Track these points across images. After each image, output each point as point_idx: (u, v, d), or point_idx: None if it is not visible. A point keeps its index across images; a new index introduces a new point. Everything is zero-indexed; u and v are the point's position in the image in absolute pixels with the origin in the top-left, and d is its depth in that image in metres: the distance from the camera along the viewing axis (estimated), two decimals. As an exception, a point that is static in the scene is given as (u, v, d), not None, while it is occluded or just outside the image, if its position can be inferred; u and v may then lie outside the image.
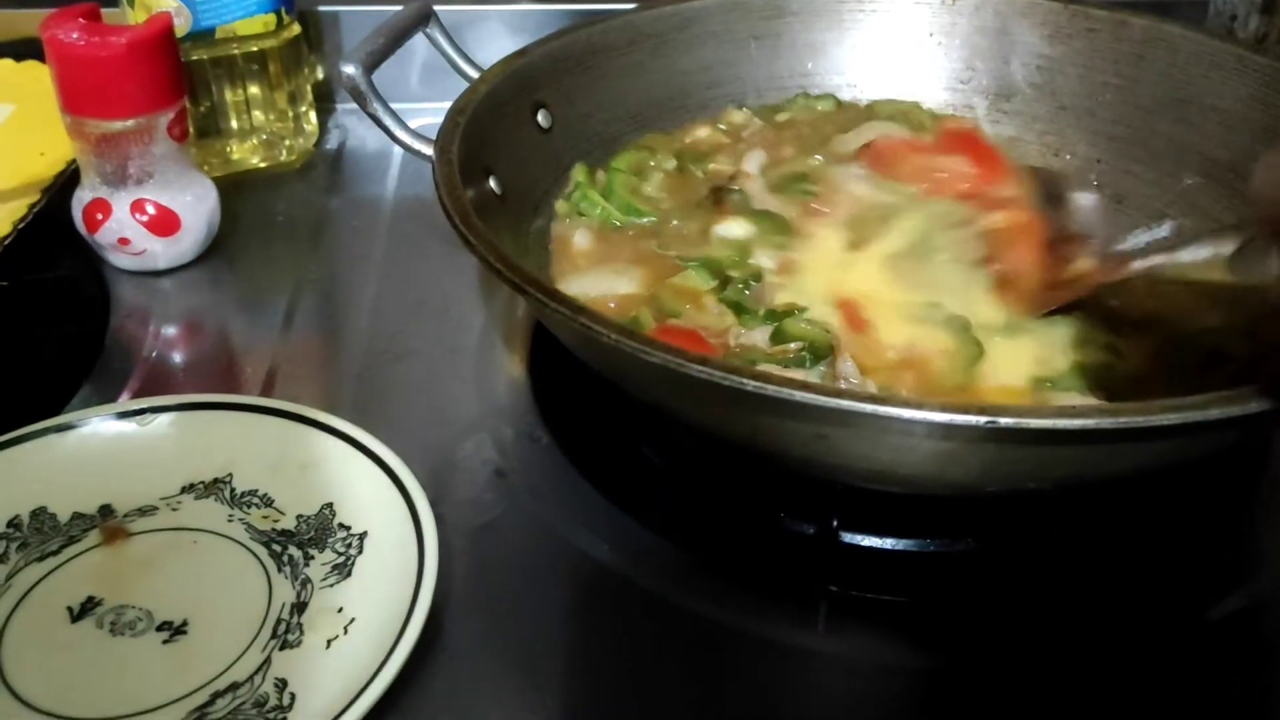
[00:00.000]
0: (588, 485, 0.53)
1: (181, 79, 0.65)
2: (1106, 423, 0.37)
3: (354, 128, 0.85)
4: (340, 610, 0.46)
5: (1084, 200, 0.58)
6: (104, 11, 0.65)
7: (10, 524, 0.49)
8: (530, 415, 0.58)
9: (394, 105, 0.58)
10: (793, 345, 0.51)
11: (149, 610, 0.46)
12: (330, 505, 0.50)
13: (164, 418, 0.53)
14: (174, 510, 0.50)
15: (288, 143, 0.80)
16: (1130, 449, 0.41)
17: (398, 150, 0.81)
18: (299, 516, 0.50)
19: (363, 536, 0.48)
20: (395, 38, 0.60)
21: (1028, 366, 0.51)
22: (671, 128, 0.70)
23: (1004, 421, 0.37)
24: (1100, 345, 0.52)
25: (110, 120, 0.63)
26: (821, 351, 0.50)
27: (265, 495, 0.51)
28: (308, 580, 0.47)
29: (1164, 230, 0.62)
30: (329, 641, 0.44)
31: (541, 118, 0.64)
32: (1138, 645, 0.47)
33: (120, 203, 0.65)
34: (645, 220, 0.63)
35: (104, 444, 0.52)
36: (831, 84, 0.74)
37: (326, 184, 0.80)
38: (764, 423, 0.43)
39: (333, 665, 0.43)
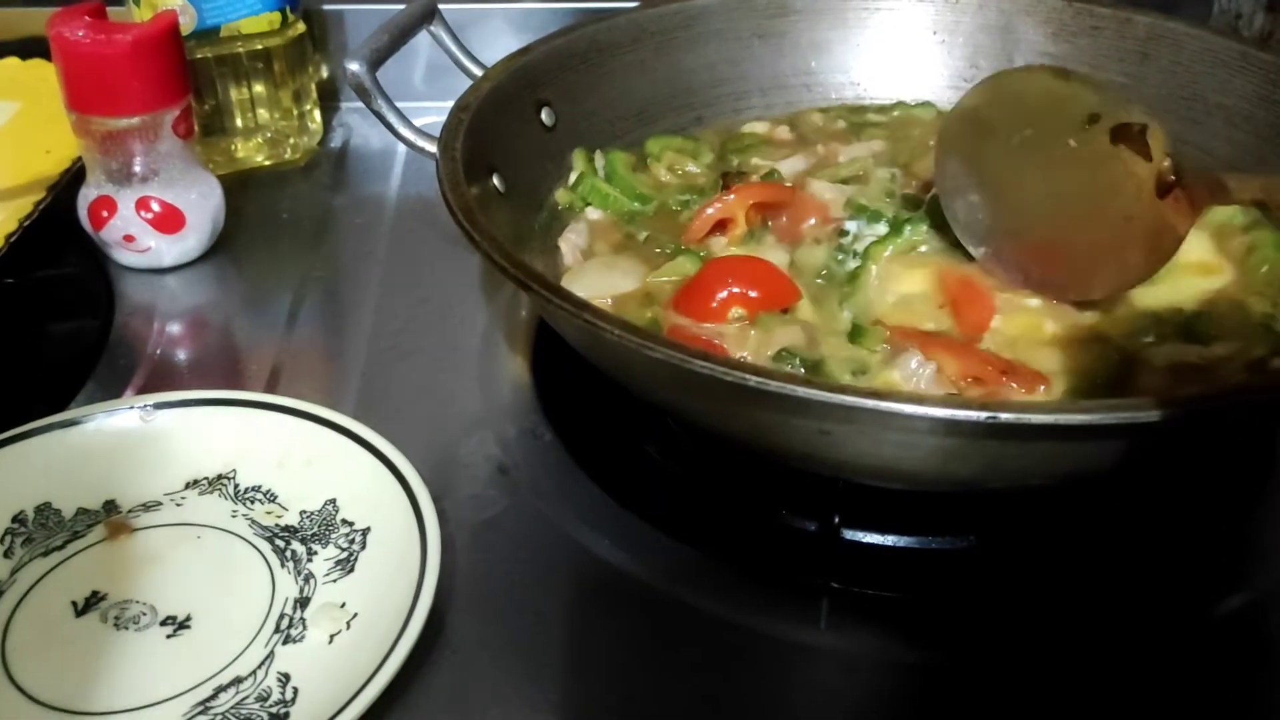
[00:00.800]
0: (590, 482, 0.53)
1: (187, 76, 0.66)
2: (1108, 418, 0.37)
3: (358, 126, 0.85)
4: (343, 605, 0.46)
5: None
6: (110, 9, 0.65)
7: (15, 519, 0.49)
8: (533, 412, 0.58)
9: (397, 104, 0.58)
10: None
11: (153, 605, 0.46)
12: (333, 501, 0.50)
13: (168, 414, 0.53)
14: (178, 506, 0.50)
15: (292, 141, 0.80)
16: (1131, 445, 0.41)
17: (401, 149, 0.82)
18: (302, 512, 0.50)
19: (366, 532, 0.48)
20: (400, 35, 0.60)
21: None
22: (676, 127, 0.71)
23: (1005, 417, 0.37)
24: None
25: (116, 118, 0.63)
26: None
27: (269, 491, 0.51)
28: (311, 575, 0.47)
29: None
30: (332, 636, 0.44)
31: (545, 115, 0.64)
32: (1140, 642, 0.47)
33: (125, 200, 0.66)
34: (649, 206, 0.63)
35: (109, 440, 0.52)
36: (835, 82, 0.74)
37: (331, 182, 0.80)
38: (766, 419, 0.43)
39: (335, 660, 0.43)
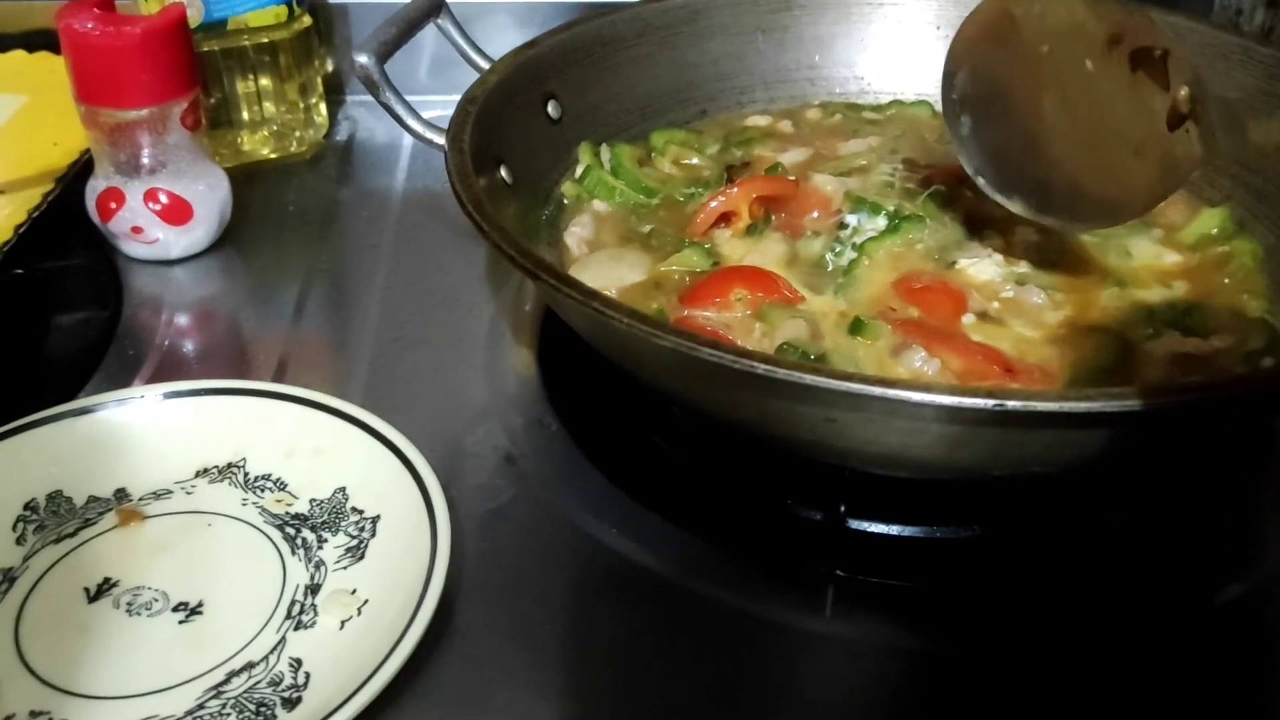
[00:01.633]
0: (597, 472, 0.54)
1: (195, 69, 0.66)
2: (1112, 406, 0.38)
3: (363, 119, 0.86)
4: (354, 592, 0.46)
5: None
6: (118, 2, 0.65)
7: (27, 506, 0.50)
8: (540, 403, 0.58)
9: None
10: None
11: (165, 591, 0.46)
12: (343, 489, 0.50)
13: (178, 403, 0.54)
14: (188, 494, 0.51)
15: (298, 134, 0.80)
16: (1135, 433, 0.41)
17: (407, 142, 0.83)
18: (312, 500, 0.50)
19: (375, 520, 0.49)
20: (407, 28, 0.60)
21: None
22: (680, 121, 0.71)
23: (1011, 404, 0.38)
24: None
25: (124, 109, 0.63)
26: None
27: (279, 479, 0.51)
28: (321, 563, 0.48)
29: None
30: (343, 623, 0.45)
31: (551, 108, 0.64)
32: (1142, 631, 0.47)
33: (133, 192, 0.66)
34: (655, 199, 0.63)
35: (118, 429, 0.53)
36: (839, 77, 0.74)
37: (336, 175, 0.80)
38: (773, 407, 0.43)
39: (347, 646, 0.44)
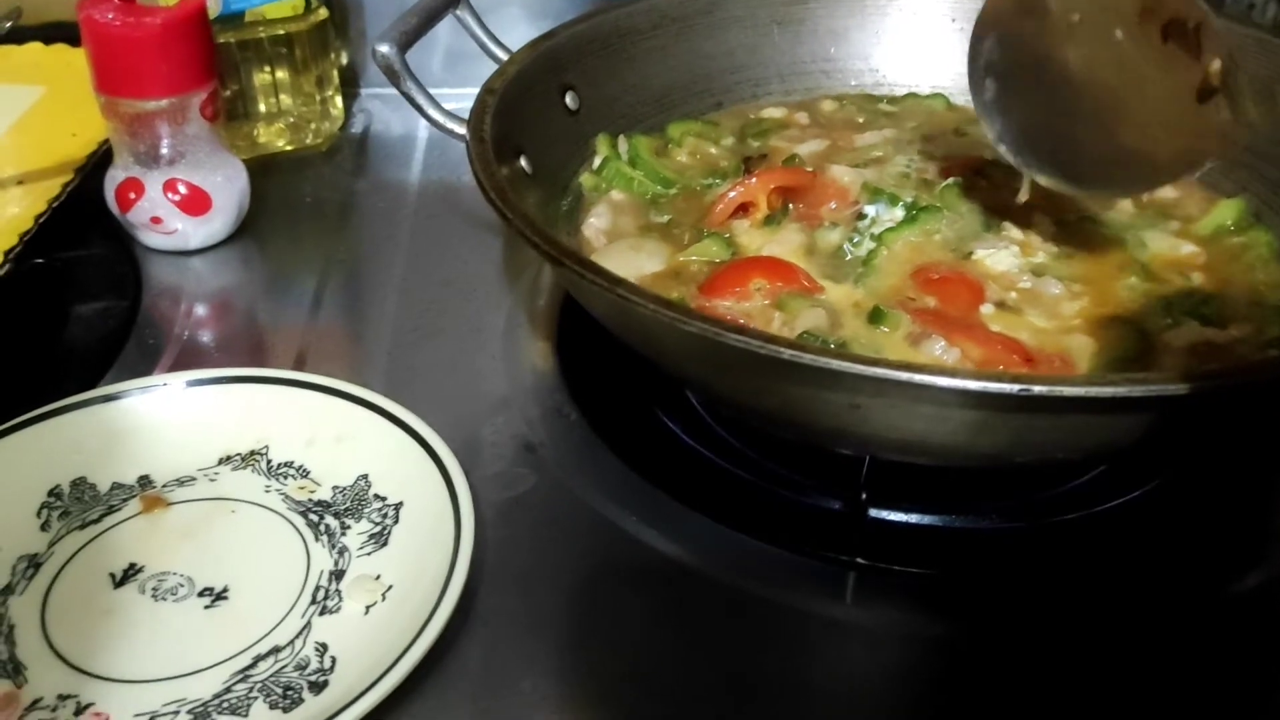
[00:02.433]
0: (617, 460, 0.54)
1: (214, 60, 0.66)
2: (1138, 391, 0.38)
3: (379, 112, 0.86)
4: (378, 578, 0.46)
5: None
6: (137, -7, 0.65)
7: (51, 493, 0.50)
8: (559, 392, 0.58)
9: (418, 89, 0.59)
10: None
11: (190, 577, 0.47)
12: (365, 476, 0.51)
13: (201, 391, 0.54)
14: (211, 481, 0.51)
15: (314, 126, 0.80)
16: (1157, 419, 0.42)
17: (422, 135, 0.83)
18: (335, 487, 0.51)
19: (399, 507, 0.49)
20: (427, 18, 0.60)
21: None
22: (696, 112, 0.71)
23: (1037, 389, 0.38)
24: None
25: (144, 100, 0.64)
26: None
27: (301, 467, 0.52)
28: (345, 549, 0.48)
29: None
30: (368, 608, 0.45)
31: (570, 99, 0.65)
32: (1159, 619, 0.47)
33: (153, 182, 0.66)
34: (673, 189, 0.63)
35: (141, 416, 0.53)
36: (854, 69, 0.74)
37: (352, 167, 0.80)
38: (797, 393, 0.43)
39: (372, 630, 0.44)
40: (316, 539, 0.48)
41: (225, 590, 0.46)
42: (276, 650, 0.44)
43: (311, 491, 0.51)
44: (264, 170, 0.75)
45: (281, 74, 0.78)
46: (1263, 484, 0.54)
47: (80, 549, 0.48)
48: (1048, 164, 0.54)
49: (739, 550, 0.50)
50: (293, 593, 0.46)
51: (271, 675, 0.43)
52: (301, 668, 0.43)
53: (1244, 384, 0.40)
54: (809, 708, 0.43)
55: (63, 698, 0.42)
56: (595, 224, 0.61)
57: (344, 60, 0.86)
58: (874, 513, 0.51)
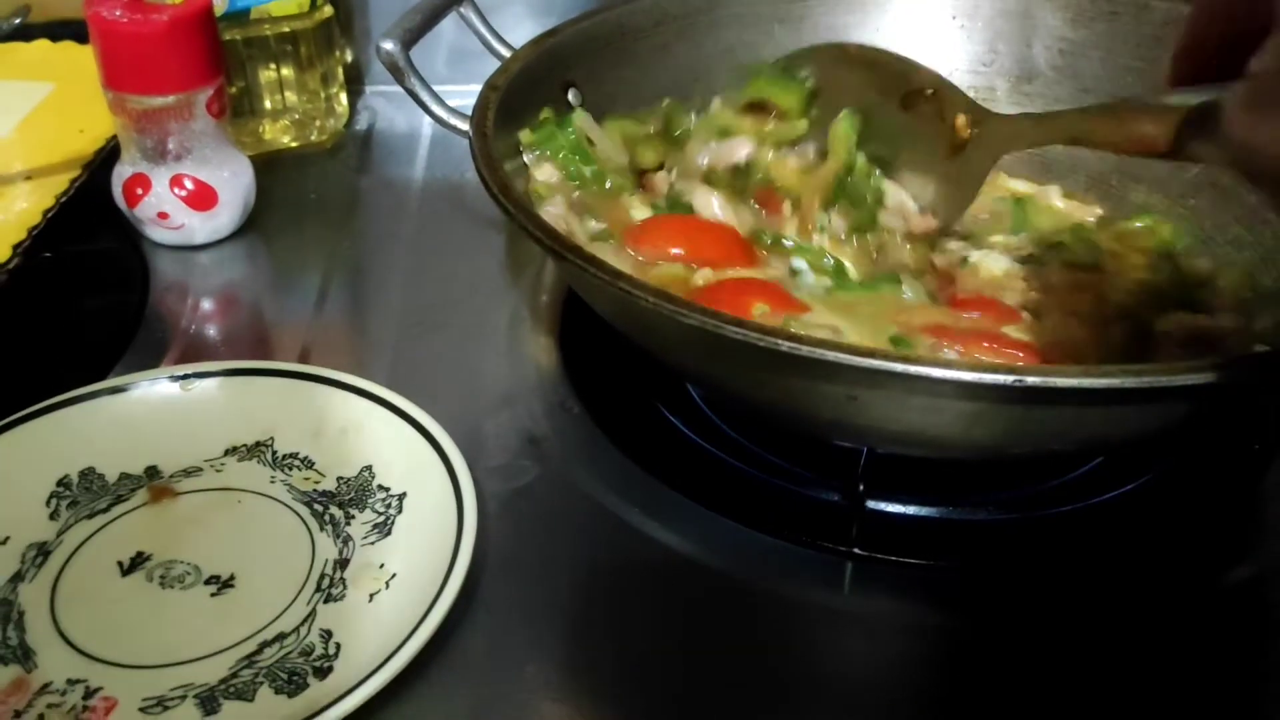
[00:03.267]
0: (619, 453, 0.54)
1: (221, 56, 0.67)
2: (1131, 382, 0.38)
3: (383, 110, 0.87)
4: (382, 566, 0.47)
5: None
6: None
7: (60, 483, 0.51)
8: (562, 386, 0.59)
9: (421, 87, 0.59)
10: None
11: (197, 565, 0.47)
12: (369, 467, 0.51)
13: (207, 383, 0.55)
14: (218, 471, 0.52)
15: (319, 123, 0.81)
16: (1152, 410, 0.42)
17: (426, 132, 0.84)
18: (339, 478, 0.51)
19: (402, 497, 0.50)
20: (432, 15, 0.61)
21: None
22: (694, 110, 0.71)
23: (1031, 380, 0.38)
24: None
25: (152, 96, 0.64)
26: None
27: (306, 458, 0.52)
28: (349, 538, 0.49)
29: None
30: (371, 595, 0.46)
31: (572, 96, 0.65)
32: (1154, 610, 0.48)
33: (160, 178, 0.67)
34: (590, 171, 0.61)
35: (149, 408, 0.54)
36: (854, 67, 0.75)
37: (357, 164, 0.81)
38: (796, 385, 0.44)
39: (376, 618, 0.45)
40: (321, 528, 0.49)
41: (231, 578, 0.47)
42: (282, 637, 0.44)
43: (316, 482, 0.51)
44: (269, 166, 0.76)
45: (287, 71, 0.79)
46: (1256, 476, 0.54)
47: (89, 538, 0.49)
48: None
49: (738, 541, 0.50)
50: (298, 581, 0.47)
51: (277, 661, 0.43)
52: (306, 654, 0.44)
53: (1244, 375, 0.41)
54: (806, 696, 0.44)
55: (72, 682, 0.42)
56: (552, 212, 0.60)
57: (349, 58, 0.87)
58: (871, 504, 0.51)
